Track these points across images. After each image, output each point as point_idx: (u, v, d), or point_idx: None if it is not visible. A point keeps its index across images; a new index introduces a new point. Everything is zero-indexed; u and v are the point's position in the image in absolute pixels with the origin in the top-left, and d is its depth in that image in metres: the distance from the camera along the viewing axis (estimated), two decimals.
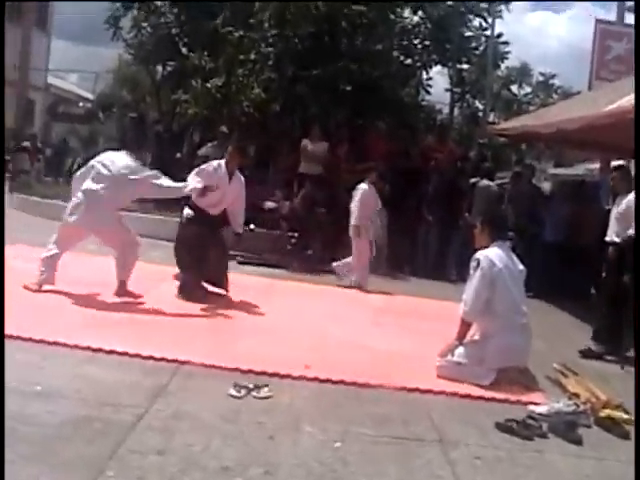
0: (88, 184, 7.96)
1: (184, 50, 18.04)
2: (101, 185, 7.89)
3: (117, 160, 8.06)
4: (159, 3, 18.42)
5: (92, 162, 8.19)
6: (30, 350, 5.78)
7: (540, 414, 5.49)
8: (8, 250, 9.19)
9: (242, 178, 9.02)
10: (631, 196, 8.24)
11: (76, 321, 6.85)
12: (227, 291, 8.97)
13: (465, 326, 6.52)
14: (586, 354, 8.14)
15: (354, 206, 10.89)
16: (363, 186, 10.96)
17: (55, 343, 5.99)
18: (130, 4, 18.12)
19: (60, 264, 8.07)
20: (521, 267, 6.72)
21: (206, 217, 8.71)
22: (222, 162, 8.76)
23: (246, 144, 11.38)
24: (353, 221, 10.85)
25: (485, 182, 13.26)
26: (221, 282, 9.00)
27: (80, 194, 7.96)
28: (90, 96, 43.95)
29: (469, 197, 13.07)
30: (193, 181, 8.34)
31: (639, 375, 6.85)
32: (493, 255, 6.48)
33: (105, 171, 7.95)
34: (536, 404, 5.72)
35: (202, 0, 16.89)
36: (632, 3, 20.03)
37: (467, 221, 12.14)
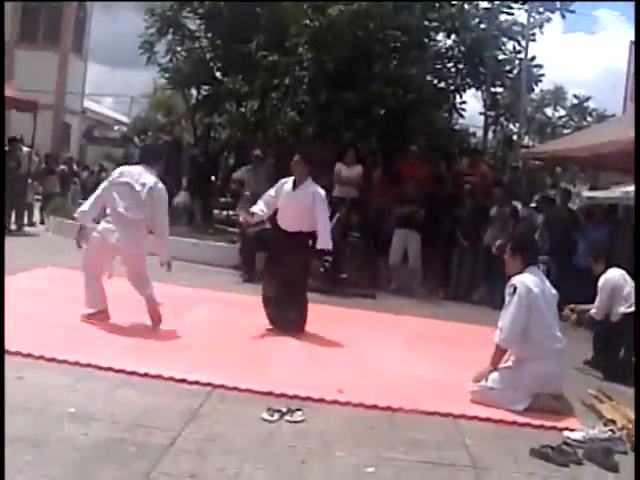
0: None
1: (218, 74, 18.27)
2: None
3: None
4: (193, 27, 18.65)
5: None
6: (64, 372, 5.82)
7: (575, 440, 5.41)
8: (41, 272, 9.31)
9: (318, 190, 8.47)
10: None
11: (110, 344, 6.88)
12: (301, 330, 8.47)
13: (500, 352, 6.45)
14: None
15: None
16: None
17: (88, 365, 6.02)
18: (165, 29, 18.30)
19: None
20: (554, 291, 6.67)
21: (279, 231, 8.65)
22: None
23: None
24: None
25: (515, 207, 13.19)
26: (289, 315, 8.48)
27: None
28: (125, 120, 44.57)
29: (500, 222, 12.93)
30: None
31: (638, 379, 6.88)
32: (529, 281, 6.41)
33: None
34: (571, 430, 5.63)
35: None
36: None
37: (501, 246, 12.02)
